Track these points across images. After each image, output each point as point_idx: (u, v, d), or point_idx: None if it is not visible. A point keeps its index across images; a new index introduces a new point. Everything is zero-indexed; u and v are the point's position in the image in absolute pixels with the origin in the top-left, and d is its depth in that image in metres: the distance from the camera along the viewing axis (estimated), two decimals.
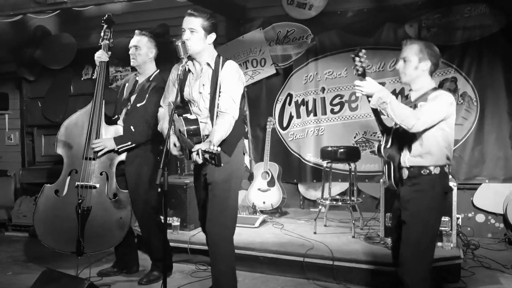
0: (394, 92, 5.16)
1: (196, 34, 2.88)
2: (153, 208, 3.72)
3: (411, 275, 2.72)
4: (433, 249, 2.83)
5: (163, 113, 3.20)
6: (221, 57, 3.00)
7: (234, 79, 2.93)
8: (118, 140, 3.64)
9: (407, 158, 2.79)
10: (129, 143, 3.64)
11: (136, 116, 3.68)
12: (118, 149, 3.64)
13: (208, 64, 2.97)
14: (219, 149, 2.49)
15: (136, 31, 3.75)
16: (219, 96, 2.90)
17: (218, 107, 2.89)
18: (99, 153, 3.63)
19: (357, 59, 2.69)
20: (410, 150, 2.78)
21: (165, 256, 3.42)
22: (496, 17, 4.79)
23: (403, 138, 2.80)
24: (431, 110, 2.69)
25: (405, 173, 2.81)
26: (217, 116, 2.90)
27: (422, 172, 2.75)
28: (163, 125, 3.13)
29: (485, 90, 4.88)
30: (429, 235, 2.77)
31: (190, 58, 2.97)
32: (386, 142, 2.86)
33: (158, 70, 3.80)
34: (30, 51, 6.38)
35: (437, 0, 5.00)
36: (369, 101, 2.74)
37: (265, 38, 5.67)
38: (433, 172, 2.74)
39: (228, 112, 2.86)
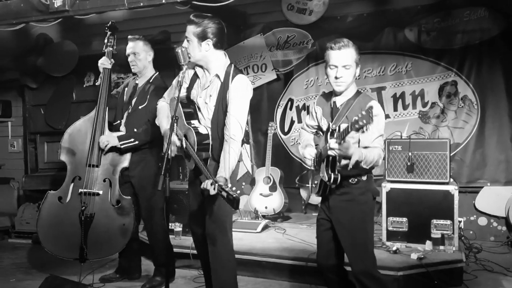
0: (394, 96, 5.19)
1: (191, 43, 2.86)
2: (158, 213, 3.71)
3: (377, 282, 2.67)
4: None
5: (163, 106, 3.11)
6: (232, 67, 2.91)
7: (243, 99, 2.85)
8: (121, 137, 3.65)
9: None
10: (132, 140, 3.64)
11: (138, 118, 3.70)
12: (121, 145, 3.62)
13: (218, 76, 2.91)
14: (238, 192, 2.54)
15: (129, 37, 3.73)
16: (226, 115, 2.83)
17: (226, 130, 2.83)
18: (106, 149, 3.63)
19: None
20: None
21: (168, 262, 3.43)
22: (495, 21, 4.81)
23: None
24: (378, 134, 2.58)
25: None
26: (224, 138, 2.84)
27: (350, 180, 2.66)
28: (162, 121, 3.04)
29: (485, 93, 4.89)
30: (372, 238, 2.73)
31: (196, 65, 2.96)
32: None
33: (157, 72, 3.82)
34: (33, 58, 6.42)
35: (436, 4, 5.02)
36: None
37: (266, 44, 5.69)
38: (362, 179, 2.67)
39: (235, 139, 2.82)
